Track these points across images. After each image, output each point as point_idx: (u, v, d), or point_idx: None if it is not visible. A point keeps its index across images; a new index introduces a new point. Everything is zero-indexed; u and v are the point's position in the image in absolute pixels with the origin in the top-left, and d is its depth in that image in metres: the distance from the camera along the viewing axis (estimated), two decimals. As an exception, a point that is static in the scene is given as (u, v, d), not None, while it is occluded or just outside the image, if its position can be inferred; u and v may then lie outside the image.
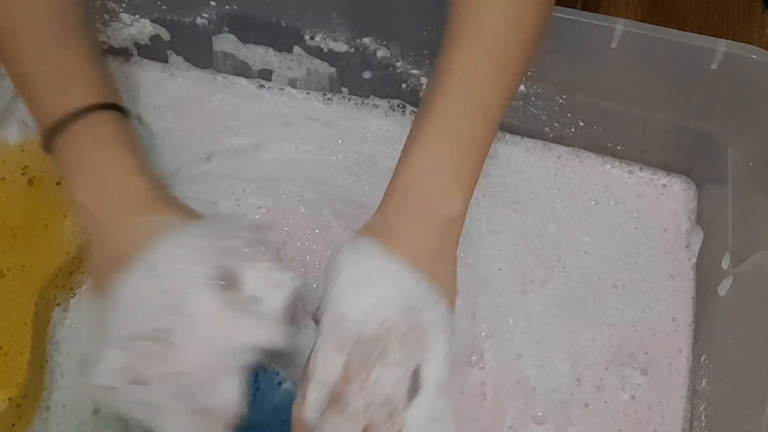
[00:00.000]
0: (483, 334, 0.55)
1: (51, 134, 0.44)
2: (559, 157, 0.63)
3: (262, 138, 0.63)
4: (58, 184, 0.54)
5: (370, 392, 0.38)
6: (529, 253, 0.59)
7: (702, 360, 0.54)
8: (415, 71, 0.62)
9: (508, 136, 0.64)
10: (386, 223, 0.42)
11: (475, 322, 0.55)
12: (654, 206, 0.62)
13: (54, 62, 0.45)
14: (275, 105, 0.65)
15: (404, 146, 0.44)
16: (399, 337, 0.39)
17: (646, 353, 0.55)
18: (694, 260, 0.59)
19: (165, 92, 0.65)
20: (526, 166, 0.63)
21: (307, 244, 0.58)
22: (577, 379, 0.54)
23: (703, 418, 0.52)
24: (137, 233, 0.41)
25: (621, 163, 0.63)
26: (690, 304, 0.57)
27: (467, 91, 0.42)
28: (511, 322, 0.56)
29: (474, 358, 0.54)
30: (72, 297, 0.53)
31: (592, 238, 0.60)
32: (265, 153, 0.62)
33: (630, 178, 0.63)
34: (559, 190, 0.62)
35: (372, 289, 0.39)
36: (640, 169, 0.63)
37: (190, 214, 0.45)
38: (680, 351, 0.55)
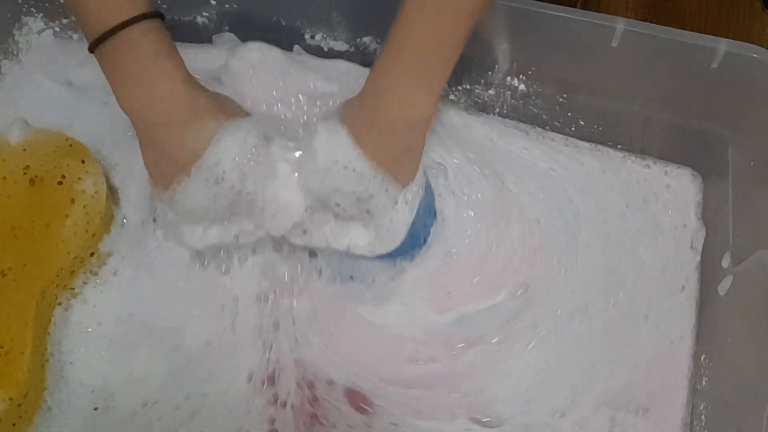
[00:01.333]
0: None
1: (98, 42, 0.46)
2: (576, 146, 0.62)
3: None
4: (60, 183, 0.54)
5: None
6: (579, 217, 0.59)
7: (702, 359, 0.54)
8: (415, 70, 0.62)
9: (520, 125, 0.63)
10: (360, 121, 0.48)
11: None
12: (668, 199, 0.61)
13: None
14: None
15: (378, 54, 0.48)
16: (347, 216, 0.50)
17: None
18: (698, 258, 0.59)
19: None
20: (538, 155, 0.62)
21: None
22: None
23: (703, 417, 0.52)
24: (190, 143, 0.47)
25: (636, 157, 0.62)
26: (693, 302, 0.57)
27: (433, 17, 0.46)
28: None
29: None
30: (73, 298, 0.53)
31: (634, 216, 0.60)
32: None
33: (646, 170, 0.62)
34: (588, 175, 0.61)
35: (334, 179, 0.48)
36: (654, 163, 0.62)
37: (233, 113, 0.50)
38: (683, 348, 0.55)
